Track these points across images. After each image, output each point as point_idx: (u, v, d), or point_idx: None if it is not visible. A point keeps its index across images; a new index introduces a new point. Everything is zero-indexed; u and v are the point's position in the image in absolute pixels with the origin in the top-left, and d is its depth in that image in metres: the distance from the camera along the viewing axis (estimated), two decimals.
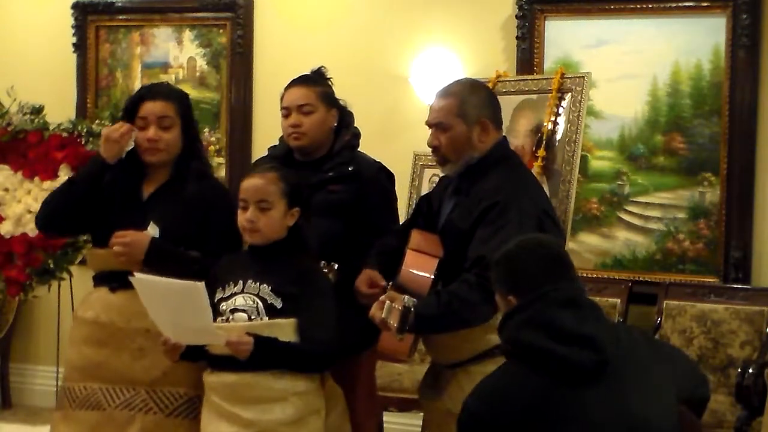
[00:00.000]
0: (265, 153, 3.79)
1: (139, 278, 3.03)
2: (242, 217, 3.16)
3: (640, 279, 5.07)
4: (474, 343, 3.07)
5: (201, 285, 2.95)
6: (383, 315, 2.92)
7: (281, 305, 3.08)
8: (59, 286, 4.89)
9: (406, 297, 2.95)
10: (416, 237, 3.29)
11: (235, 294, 3.12)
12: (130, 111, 3.36)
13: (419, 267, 3.18)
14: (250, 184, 3.17)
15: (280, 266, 3.14)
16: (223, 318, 3.08)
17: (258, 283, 3.11)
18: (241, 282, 3.13)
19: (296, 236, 3.20)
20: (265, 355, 3.00)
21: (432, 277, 3.14)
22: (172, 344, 3.05)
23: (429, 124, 3.23)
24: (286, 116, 3.58)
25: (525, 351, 2.46)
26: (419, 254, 3.23)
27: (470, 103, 3.18)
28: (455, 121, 3.17)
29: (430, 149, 3.24)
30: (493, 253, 2.95)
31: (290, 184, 3.18)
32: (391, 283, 3.19)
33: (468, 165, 3.18)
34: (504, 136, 3.28)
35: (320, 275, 3.24)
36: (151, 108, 3.33)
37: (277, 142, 3.77)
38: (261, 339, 2.99)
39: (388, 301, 2.94)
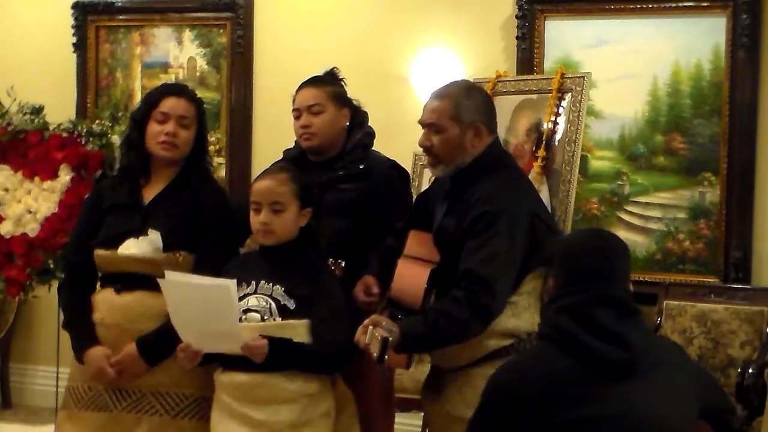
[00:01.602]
0: (269, 156, 3.80)
1: (168, 279, 3.03)
2: (255, 220, 3.17)
3: (640, 279, 5.05)
4: (473, 349, 3.05)
5: (232, 283, 2.97)
6: (366, 341, 2.88)
7: (294, 306, 3.09)
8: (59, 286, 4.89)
9: (386, 322, 2.90)
10: (412, 240, 3.27)
11: (248, 295, 3.13)
12: (151, 104, 3.38)
13: (411, 278, 3.15)
14: (263, 186, 3.18)
15: (292, 267, 3.15)
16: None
17: (271, 284, 3.12)
18: (253, 283, 3.14)
19: (307, 236, 3.21)
20: (278, 357, 3.01)
21: (423, 288, 3.10)
22: (193, 351, 3.06)
23: (422, 124, 3.19)
24: (297, 118, 3.59)
25: (558, 334, 2.50)
26: (412, 263, 3.19)
27: (465, 107, 3.13)
28: (449, 124, 3.12)
29: (422, 149, 3.21)
30: (481, 266, 2.95)
31: (302, 185, 3.19)
32: (386, 297, 3.18)
33: (459, 169, 3.15)
34: (497, 138, 3.24)
35: (332, 276, 3.25)
36: (174, 104, 3.36)
37: (276, 143, 3.79)
38: (275, 341, 3.00)
39: (370, 327, 2.88)
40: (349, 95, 3.73)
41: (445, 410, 3.14)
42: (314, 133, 3.55)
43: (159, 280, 3.05)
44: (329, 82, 3.64)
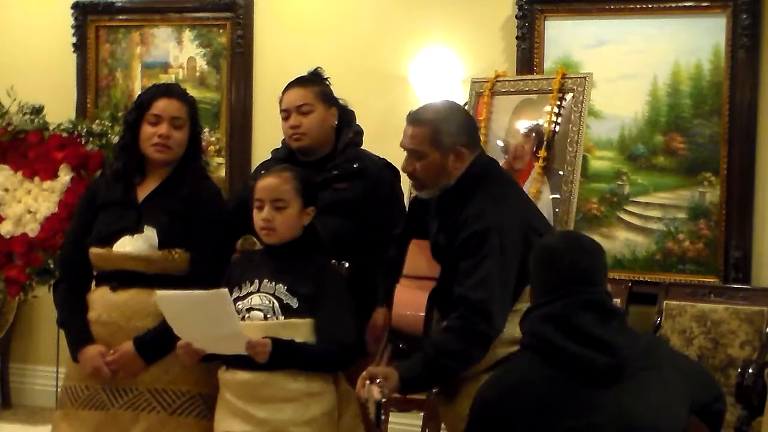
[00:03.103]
0: (268, 156, 3.79)
1: (162, 296, 3.05)
2: (258, 217, 3.17)
3: (640, 279, 5.07)
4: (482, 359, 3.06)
5: (225, 291, 2.99)
6: (365, 395, 2.85)
7: (297, 305, 3.09)
8: None
9: (381, 376, 2.85)
10: (412, 253, 3.24)
11: (252, 293, 3.13)
12: (143, 106, 3.38)
13: (410, 305, 3.13)
14: (266, 183, 3.19)
15: (296, 266, 3.15)
16: (240, 317, 3.08)
17: (273, 283, 3.12)
18: (257, 281, 3.14)
19: (311, 235, 3.21)
20: (282, 358, 3.01)
21: (423, 315, 3.08)
22: (193, 349, 3.07)
23: (403, 148, 3.16)
24: (285, 118, 3.59)
25: (541, 345, 2.48)
26: (410, 286, 3.17)
27: (444, 132, 3.09)
28: (429, 150, 3.08)
29: (406, 174, 3.18)
30: (475, 291, 2.92)
31: (305, 184, 3.19)
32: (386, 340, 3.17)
33: (444, 191, 3.13)
34: (480, 151, 3.19)
35: (336, 275, 3.25)
36: (166, 106, 3.36)
37: (276, 143, 3.78)
38: (279, 342, 3.00)
39: (368, 381, 2.85)
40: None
41: (455, 412, 3.13)
42: (304, 133, 3.55)
43: (155, 298, 3.07)
44: (316, 81, 3.64)
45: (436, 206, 3.20)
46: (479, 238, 2.97)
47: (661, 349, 2.62)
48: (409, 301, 3.14)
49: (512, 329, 3.03)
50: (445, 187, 3.12)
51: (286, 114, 3.59)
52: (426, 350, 2.96)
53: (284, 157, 3.64)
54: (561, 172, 4.12)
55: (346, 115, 3.67)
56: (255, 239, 3.47)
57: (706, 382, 2.66)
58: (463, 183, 3.11)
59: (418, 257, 3.23)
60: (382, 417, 2.85)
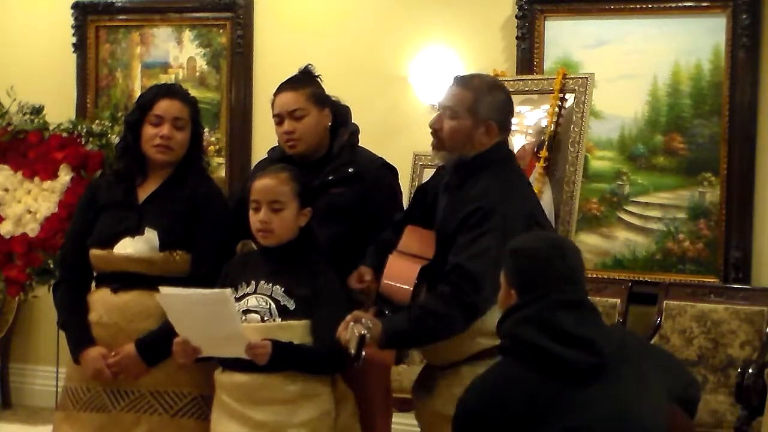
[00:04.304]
0: (264, 155, 3.77)
1: (164, 294, 3.04)
2: (255, 219, 3.16)
3: (640, 279, 5.08)
4: (464, 346, 3.04)
5: (228, 292, 2.99)
6: (347, 337, 2.84)
7: (294, 306, 3.08)
8: None
9: (366, 318, 2.87)
10: (408, 235, 3.25)
11: (248, 295, 3.12)
12: (145, 106, 3.36)
13: (401, 274, 3.13)
14: (263, 184, 3.17)
15: (293, 267, 3.15)
16: None
17: (270, 284, 3.11)
18: (253, 283, 3.14)
19: (308, 237, 3.20)
20: (281, 359, 3.01)
21: (411, 287, 3.08)
22: (190, 347, 3.06)
23: (439, 105, 3.20)
24: (279, 123, 3.53)
25: (523, 348, 2.47)
26: (402, 260, 3.18)
27: (484, 102, 3.13)
28: (464, 114, 3.12)
29: (431, 129, 3.19)
30: (471, 262, 2.92)
31: (302, 184, 3.18)
32: (376, 296, 3.17)
33: (461, 160, 3.14)
34: (506, 138, 3.24)
35: (333, 276, 3.24)
36: (168, 107, 3.34)
37: (276, 143, 3.76)
38: (278, 344, 3.00)
39: (351, 323, 2.85)
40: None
41: (433, 409, 3.13)
42: (299, 138, 3.48)
43: (156, 296, 3.07)
44: (307, 82, 3.55)
45: (446, 182, 3.21)
46: (483, 213, 2.99)
47: (634, 341, 2.62)
48: (401, 271, 3.15)
49: (495, 320, 3.03)
50: (463, 157, 3.14)
51: (279, 119, 3.53)
52: (412, 308, 2.97)
53: (281, 157, 3.60)
54: (556, 172, 4.12)
55: (340, 114, 3.60)
56: (254, 244, 3.45)
57: (681, 371, 2.68)
58: (481, 159, 3.12)
59: (411, 239, 3.24)
60: (363, 354, 2.81)
